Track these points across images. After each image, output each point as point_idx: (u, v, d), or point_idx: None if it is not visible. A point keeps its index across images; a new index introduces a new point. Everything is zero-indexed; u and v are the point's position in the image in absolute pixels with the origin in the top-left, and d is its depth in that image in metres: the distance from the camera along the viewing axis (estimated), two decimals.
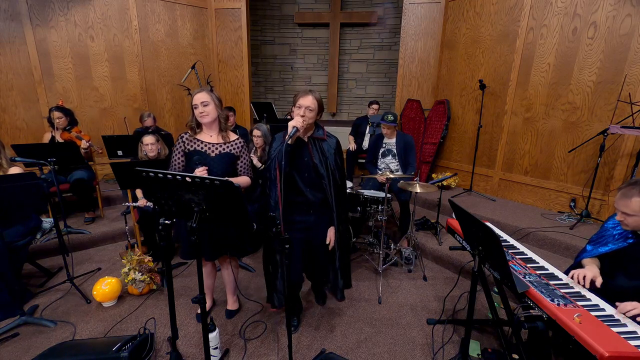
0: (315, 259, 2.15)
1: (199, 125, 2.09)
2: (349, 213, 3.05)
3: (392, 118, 3.33)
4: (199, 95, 1.99)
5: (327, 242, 2.07)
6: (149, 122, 4.35)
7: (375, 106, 4.94)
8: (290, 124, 1.85)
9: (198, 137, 2.09)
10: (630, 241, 1.68)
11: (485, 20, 4.22)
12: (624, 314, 1.43)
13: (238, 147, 2.13)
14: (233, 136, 2.15)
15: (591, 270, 1.66)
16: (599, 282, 1.61)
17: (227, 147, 2.10)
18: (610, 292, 1.60)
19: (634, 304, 1.43)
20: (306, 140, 2.00)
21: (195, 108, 1.99)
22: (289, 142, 1.84)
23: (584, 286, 1.62)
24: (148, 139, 3.07)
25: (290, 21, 6.97)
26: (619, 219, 1.65)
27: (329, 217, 2.07)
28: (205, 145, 2.06)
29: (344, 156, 3.51)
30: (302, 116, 1.88)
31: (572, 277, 1.67)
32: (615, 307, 1.48)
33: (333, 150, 2.04)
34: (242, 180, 2.13)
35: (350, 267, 2.34)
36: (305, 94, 1.91)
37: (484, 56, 4.28)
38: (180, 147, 2.08)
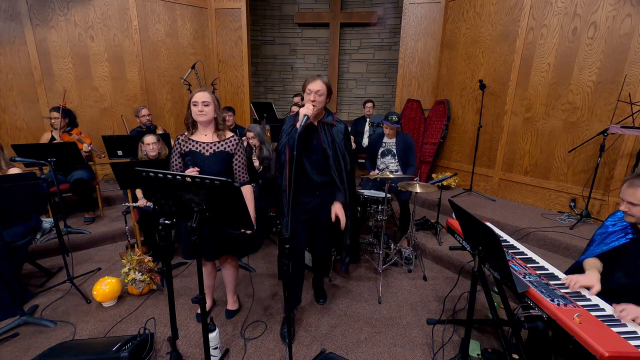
0: (318, 238, 2.26)
1: (194, 125, 2.06)
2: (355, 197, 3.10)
3: (396, 119, 3.30)
4: (202, 94, 1.97)
5: (334, 220, 2.13)
6: (144, 112, 4.24)
7: (369, 104, 5.19)
8: (301, 111, 1.91)
9: (193, 137, 2.06)
10: (630, 237, 1.65)
11: (485, 20, 4.22)
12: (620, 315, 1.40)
13: (233, 144, 2.08)
14: (228, 134, 2.11)
15: (588, 277, 1.61)
16: (594, 290, 1.56)
17: (222, 145, 2.06)
18: (609, 290, 1.59)
19: (631, 306, 1.40)
20: (316, 124, 2.08)
21: (195, 105, 1.97)
22: (300, 128, 1.88)
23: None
24: (149, 139, 3.08)
25: (290, 21, 6.97)
26: (623, 210, 1.61)
27: (335, 199, 2.16)
28: (200, 145, 2.04)
29: None
30: (313, 101, 1.95)
31: (566, 282, 1.64)
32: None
33: (342, 135, 2.15)
34: (246, 193, 2.04)
35: (358, 244, 2.56)
36: (314, 79, 1.98)
37: (484, 56, 4.28)
38: (177, 149, 2.07)
